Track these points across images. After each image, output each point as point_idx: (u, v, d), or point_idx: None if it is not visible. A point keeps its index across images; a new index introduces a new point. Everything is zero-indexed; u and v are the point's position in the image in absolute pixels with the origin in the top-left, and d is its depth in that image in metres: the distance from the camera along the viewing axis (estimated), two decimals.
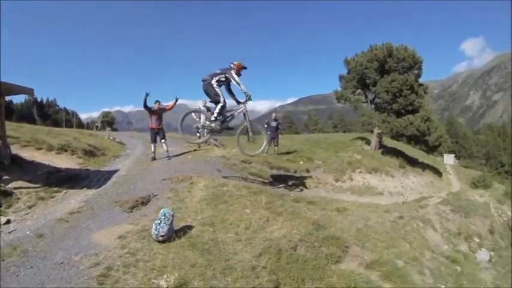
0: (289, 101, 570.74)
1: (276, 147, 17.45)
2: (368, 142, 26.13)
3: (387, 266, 6.54)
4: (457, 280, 7.91)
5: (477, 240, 11.07)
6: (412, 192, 18.75)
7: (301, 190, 11.61)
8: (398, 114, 22.41)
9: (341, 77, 25.21)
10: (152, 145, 12.61)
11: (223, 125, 9.07)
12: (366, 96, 24.82)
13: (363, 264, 6.54)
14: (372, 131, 25.57)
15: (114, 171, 10.63)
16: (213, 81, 8.68)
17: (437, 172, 28.22)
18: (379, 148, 24.53)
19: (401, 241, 8.45)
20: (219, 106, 8.78)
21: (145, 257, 4.71)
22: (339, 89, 25.41)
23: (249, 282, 4.50)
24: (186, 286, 4.18)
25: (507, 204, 16.09)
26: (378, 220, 9.22)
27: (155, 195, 7.49)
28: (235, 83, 8.75)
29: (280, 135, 19.62)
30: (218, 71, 8.81)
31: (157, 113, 12.54)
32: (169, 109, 12.86)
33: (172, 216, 5.35)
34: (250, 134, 9.26)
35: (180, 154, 13.38)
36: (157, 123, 12.60)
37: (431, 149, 27.75)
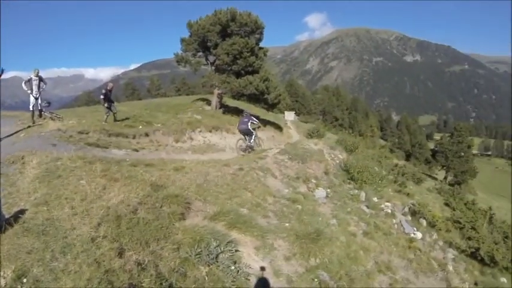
0: (133, 67, 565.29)
1: (114, 115, 16.82)
2: (209, 103, 27.24)
3: (231, 215, 6.82)
4: (299, 217, 8.74)
5: (314, 181, 12.44)
6: None
7: (143, 154, 11.42)
8: (238, 75, 23.65)
9: (182, 40, 25.07)
10: None
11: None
12: (207, 59, 25.36)
13: (207, 217, 6.72)
14: (212, 92, 26.33)
15: None
16: (249, 127, 15.41)
17: (278, 127, 30.83)
18: (220, 108, 25.83)
19: (243, 191, 8.92)
20: (253, 137, 15.71)
21: None
22: (180, 52, 25.24)
23: (90, 255, 4.34)
24: (25, 276, 3.92)
25: (338, 150, 18.51)
26: (217, 174, 9.53)
27: None
28: (257, 125, 16.13)
29: (117, 103, 19.78)
30: (246, 120, 15.53)
31: None
32: None
33: None
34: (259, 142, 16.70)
35: (13, 133, 11.96)
36: None
37: (271, 106, 30.21)
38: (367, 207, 12.28)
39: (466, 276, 10.09)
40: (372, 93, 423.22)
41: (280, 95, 28.79)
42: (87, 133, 13.12)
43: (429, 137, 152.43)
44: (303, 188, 11.50)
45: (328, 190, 12.20)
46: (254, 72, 23.83)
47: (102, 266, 4.20)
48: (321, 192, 11.55)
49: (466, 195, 33.78)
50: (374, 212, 12.12)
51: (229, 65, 23.23)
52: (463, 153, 63.74)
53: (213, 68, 24.90)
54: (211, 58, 25.21)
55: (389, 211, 12.75)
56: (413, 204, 14.75)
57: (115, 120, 16.77)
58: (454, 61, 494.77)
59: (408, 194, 17.98)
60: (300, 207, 9.42)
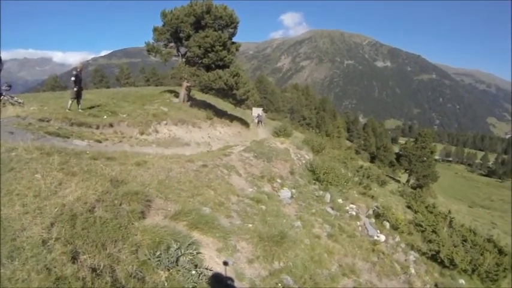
0: (103, 53, 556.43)
1: (79, 103, 15.99)
2: (177, 95, 26.76)
3: (193, 215, 6.61)
4: (263, 217, 8.65)
5: (279, 181, 12.41)
6: (219, 142, 20.02)
7: (106, 146, 10.98)
8: (208, 68, 23.35)
9: (155, 29, 24.46)
10: None
11: None
12: (178, 50, 24.91)
13: (168, 216, 6.46)
14: (181, 84, 26.00)
15: None
16: (262, 119, 35.31)
17: (245, 123, 30.70)
18: (188, 101, 25.41)
19: (205, 189, 8.72)
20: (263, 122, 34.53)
21: None
22: (151, 41, 24.63)
23: (40, 260, 3.88)
24: None
25: (305, 149, 18.61)
26: (180, 170, 9.31)
27: None
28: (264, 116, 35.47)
29: (84, 90, 18.34)
30: (261, 115, 36.64)
31: None
32: None
33: None
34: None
35: None
36: None
37: (239, 102, 30.17)
38: (332, 208, 12.38)
39: (427, 279, 10.36)
40: (341, 95, 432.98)
41: (249, 91, 28.69)
42: (48, 121, 12.51)
43: (394, 140, 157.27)
44: (267, 187, 11.44)
45: (293, 190, 12.20)
46: (224, 66, 23.62)
47: (53, 273, 3.83)
48: (285, 193, 11.53)
49: (427, 198, 35.05)
50: (339, 213, 12.23)
51: (200, 57, 22.95)
52: (425, 158, 66.48)
53: (184, 60, 24.48)
54: (182, 50, 24.79)
55: (354, 213, 12.92)
56: (377, 207, 15.01)
57: (79, 108, 16.03)
58: (423, 70, 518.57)
59: (373, 197, 18.28)
60: (264, 207, 9.34)
